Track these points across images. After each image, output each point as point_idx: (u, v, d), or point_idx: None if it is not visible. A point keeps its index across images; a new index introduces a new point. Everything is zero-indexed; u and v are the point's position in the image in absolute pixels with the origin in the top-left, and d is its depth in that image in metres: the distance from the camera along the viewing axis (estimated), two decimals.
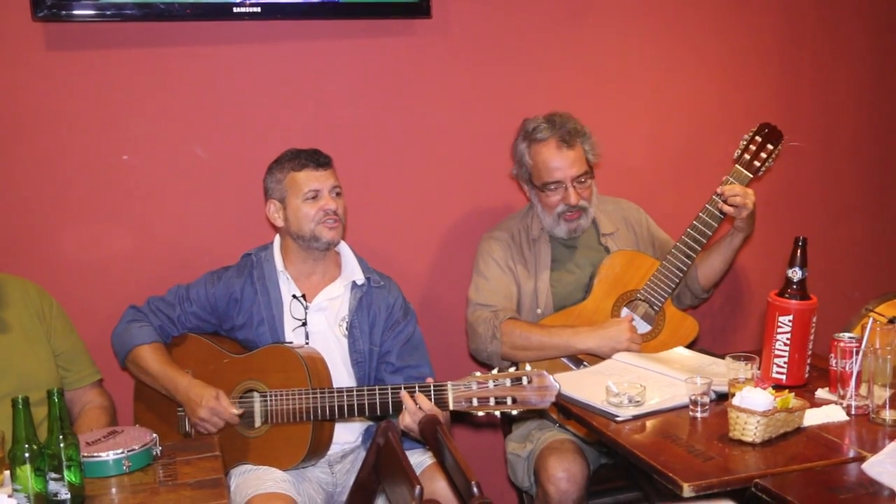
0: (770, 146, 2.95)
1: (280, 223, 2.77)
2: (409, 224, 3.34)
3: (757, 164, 2.93)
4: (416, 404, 2.46)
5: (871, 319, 2.36)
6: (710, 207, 2.90)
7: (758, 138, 2.95)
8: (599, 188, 3.09)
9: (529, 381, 2.40)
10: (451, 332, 3.37)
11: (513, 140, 3.05)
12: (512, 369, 2.45)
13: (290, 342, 2.72)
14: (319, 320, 2.78)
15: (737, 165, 2.93)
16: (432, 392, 2.48)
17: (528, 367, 2.45)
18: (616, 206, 3.19)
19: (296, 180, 2.72)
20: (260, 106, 3.14)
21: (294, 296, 2.77)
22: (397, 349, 2.80)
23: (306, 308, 2.76)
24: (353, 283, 2.81)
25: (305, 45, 3.16)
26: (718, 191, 2.87)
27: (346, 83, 3.21)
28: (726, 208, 2.84)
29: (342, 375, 2.76)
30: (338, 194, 2.77)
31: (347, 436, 2.83)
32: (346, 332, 2.78)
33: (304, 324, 2.75)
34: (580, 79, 3.45)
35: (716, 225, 2.90)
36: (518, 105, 3.27)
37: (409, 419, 2.47)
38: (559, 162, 2.93)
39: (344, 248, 2.87)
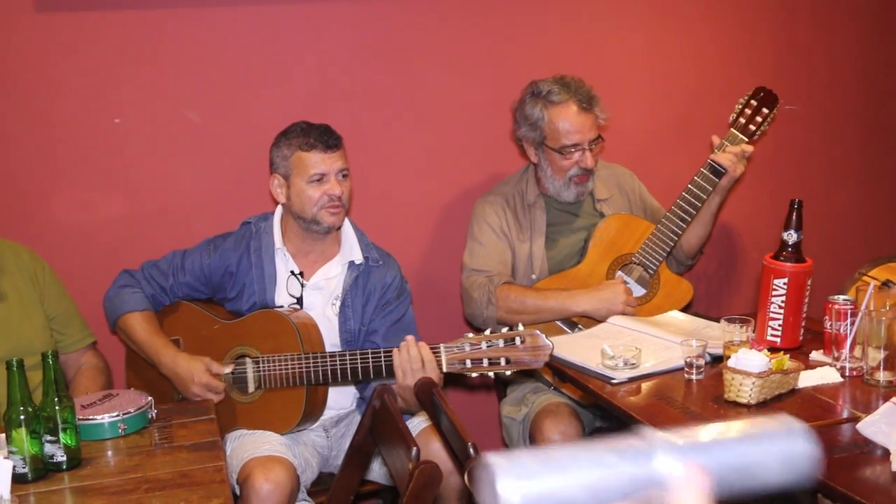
0: (766, 110, 2.94)
1: (282, 199, 2.71)
2: (405, 189, 3.33)
3: (752, 127, 2.93)
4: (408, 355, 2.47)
5: (872, 283, 2.37)
6: (704, 171, 2.89)
7: (753, 102, 2.94)
8: None
9: (523, 342, 2.41)
10: (446, 299, 3.37)
11: (516, 101, 3.02)
12: (505, 330, 2.46)
13: (281, 306, 2.71)
14: (315, 299, 2.75)
15: (732, 129, 2.92)
16: None
17: (520, 328, 2.45)
18: (610, 172, 3.18)
19: (302, 161, 2.64)
20: (253, 68, 3.11)
21: (292, 272, 2.74)
22: (384, 329, 2.75)
23: (303, 286, 2.74)
24: (351, 262, 2.77)
25: (300, 5, 3.13)
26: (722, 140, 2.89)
27: (340, 44, 3.18)
28: (722, 158, 2.85)
29: None
30: (344, 176, 2.69)
31: (342, 401, 2.84)
32: (338, 311, 2.75)
33: (300, 301, 2.73)
34: (577, 42, 3.42)
35: (711, 188, 2.89)
36: (515, 69, 3.25)
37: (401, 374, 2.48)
38: (579, 125, 2.91)
39: (345, 223, 2.81)
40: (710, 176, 2.88)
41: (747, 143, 2.90)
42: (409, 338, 2.50)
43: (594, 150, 2.95)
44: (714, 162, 2.87)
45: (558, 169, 2.97)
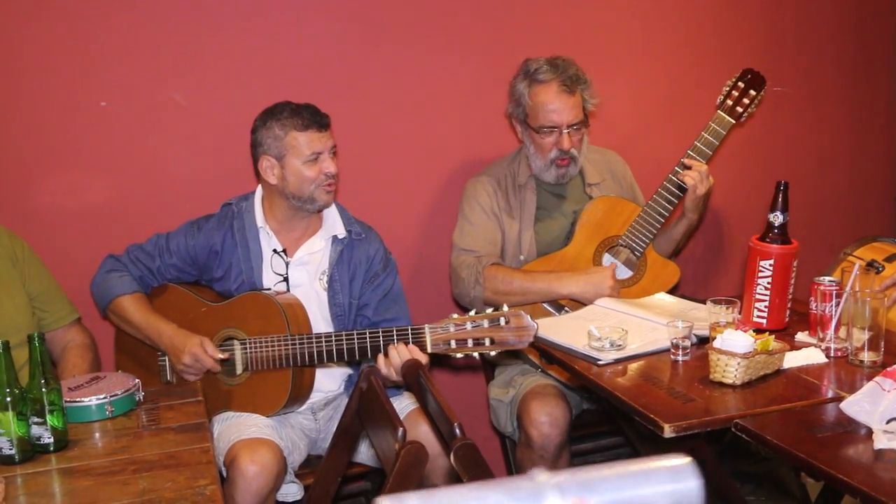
0: (753, 92, 2.94)
1: (273, 181, 2.70)
2: (394, 169, 3.32)
3: (739, 109, 2.93)
4: (398, 356, 2.48)
5: (857, 265, 2.38)
6: (691, 153, 2.90)
7: (741, 84, 2.95)
8: None
9: (507, 322, 2.42)
10: (434, 279, 3.37)
11: (511, 79, 3.02)
12: (489, 311, 2.46)
13: (269, 289, 2.72)
14: (300, 275, 2.76)
15: (719, 111, 2.92)
16: (410, 335, 2.49)
17: (504, 308, 2.45)
18: (603, 157, 3.18)
19: (298, 141, 2.65)
20: (240, 49, 3.09)
21: (275, 250, 2.75)
22: (375, 303, 2.78)
23: (287, 263, 2.75)
24: (335, 236, 2.79)
25: None
26: (687, 156, 2.89)
27: (328, 25, 3.17)
28: (685, 180, 2.86)
29: (321, 329, 2.74)
30: (334, 154, 2.72)
31: (330, 384, 2.85)
32: (326, 286, 2.76)
33: (286, 279, 2.74)
34: (565, 25, 3.42)
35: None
36: (504, 51, 3.25)
37: (385, 370, 2.49)
38: (558, 106, 2.91)
39: None
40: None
41: (734, 124, 2.91)
42: (380, 360, 2.51)
43: (573, 133, 2.94)
44: (679, 179, 2.88)
45: (539, 148, 2.97)
